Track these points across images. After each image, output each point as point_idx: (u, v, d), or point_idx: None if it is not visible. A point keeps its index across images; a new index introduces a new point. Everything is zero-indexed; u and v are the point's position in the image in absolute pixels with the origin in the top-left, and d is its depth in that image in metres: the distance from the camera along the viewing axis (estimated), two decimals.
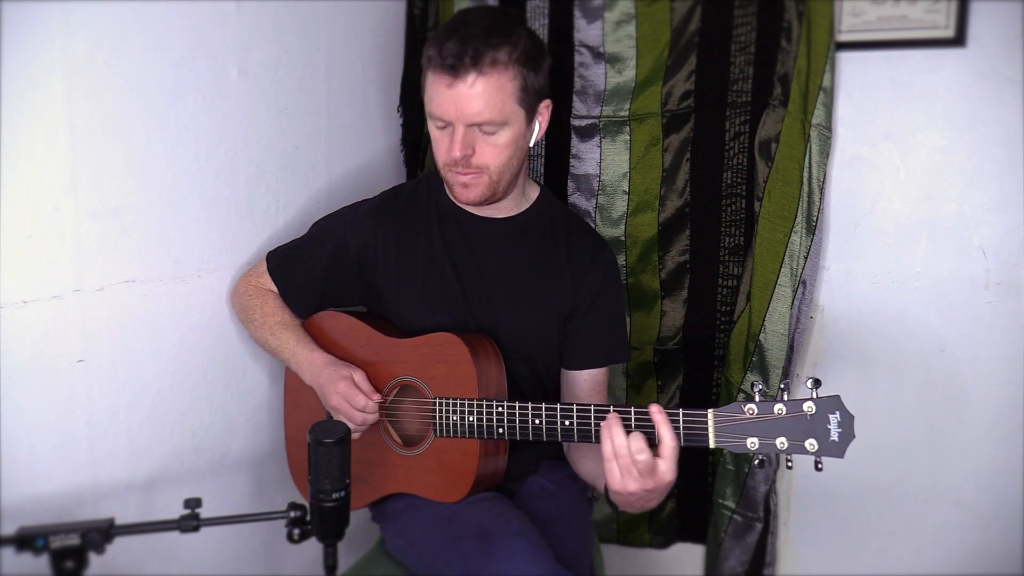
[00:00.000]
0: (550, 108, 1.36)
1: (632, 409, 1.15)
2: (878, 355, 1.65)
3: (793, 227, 1.59)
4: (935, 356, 1.61)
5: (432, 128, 1.32)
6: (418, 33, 1.83)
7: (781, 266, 1.61)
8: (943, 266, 1.58)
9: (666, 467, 1.12)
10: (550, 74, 1.34)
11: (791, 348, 1.63)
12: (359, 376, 1.35)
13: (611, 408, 1.17)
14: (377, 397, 1.34)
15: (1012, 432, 1.57)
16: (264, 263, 1.48)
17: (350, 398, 1.32)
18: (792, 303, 1.61)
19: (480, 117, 1.25)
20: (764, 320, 1.63)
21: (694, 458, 1.82)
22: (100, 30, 1.18)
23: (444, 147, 1.30)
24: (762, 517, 1.72)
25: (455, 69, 1.23)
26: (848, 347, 1.66)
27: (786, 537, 1.80)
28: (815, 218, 1.58)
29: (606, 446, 1.13)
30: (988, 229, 1.54)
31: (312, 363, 1.39)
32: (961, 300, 1.57)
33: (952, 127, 1.53)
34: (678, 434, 1.13)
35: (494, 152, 1.29)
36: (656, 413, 1.12)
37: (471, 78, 1.23)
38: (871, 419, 1.64)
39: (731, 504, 1.74)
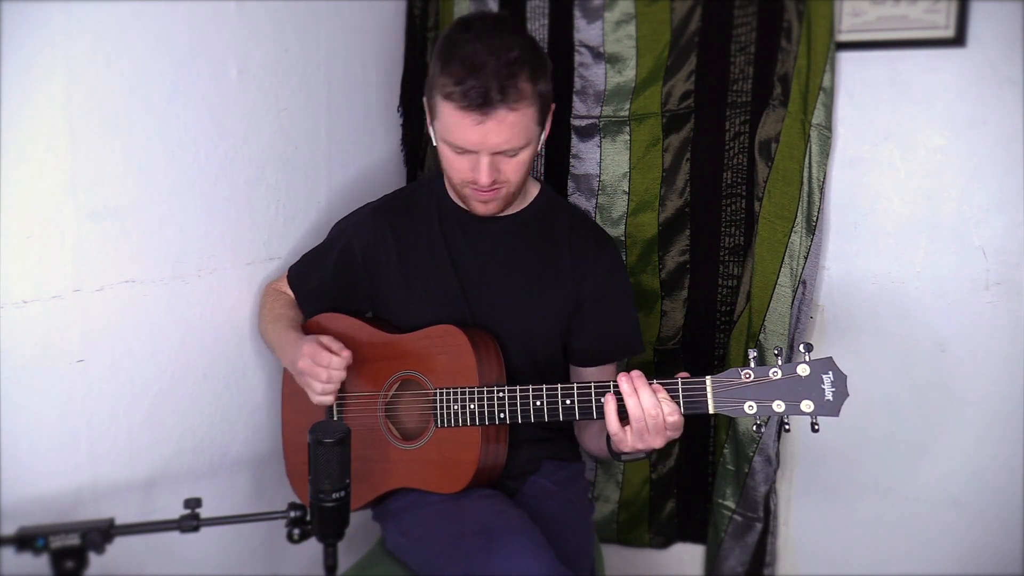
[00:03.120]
0: (553, 110, 1.37)
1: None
2: (878, 355, 1.65)
3: (793, 227, 1.59)
4: (935, 356, 1.61)
5: (446, 149, 1.31)
6: (418, 33, 1.83)
7: (781, 266, 1.61)
8: (943, 266, 1.58)
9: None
10: (552, 75, 1.34)
11: (791, 348, 1.63)
12: (327, 338, 1.34)
13: (611, 384, 1.19)
14: (347, 353, 1.31)
15: (1012, 432, 1.57)
16: (288, 272, 1.52)
17: (315, 356, 1.30)
18: (792, 303, 1.61)
19: (507, 145, 1.26)
20: (764, 320, 1.63)
21: (694, 458, 1.82)
22: (100, 30, 1.18)
23: (463, 169, 1.30)
24: (762, 517, 1.72)
25: (483, 108, 1.21)
26: (848, 347, 1.66)
27: (786, 537, 1.80)
28: (815, 218, 1.58)
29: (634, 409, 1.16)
30: (988, 229, 1.54)
31: (289, 341, 1.38)
32: (961, 300, 1.57)
33: (952, 127, 1.53)
34: (677, 402, 1.16)
35: (516, 168, 1.30)
36: (624, 382, 1.16)
37: (501, 114, 1.22)
38: (871, 418, 1.65)
39: (731, 504, 1.74)
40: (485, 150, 1.26)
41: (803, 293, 1.61)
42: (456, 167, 1.31)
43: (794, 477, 1.78)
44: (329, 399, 1.33)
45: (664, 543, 1.90)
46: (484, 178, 1.28)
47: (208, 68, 1.35)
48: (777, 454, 1.69)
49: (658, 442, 1.16)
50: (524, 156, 1.30)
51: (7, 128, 1.08)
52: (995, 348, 1.57)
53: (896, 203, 1.59)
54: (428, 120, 1.35)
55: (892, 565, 1.72)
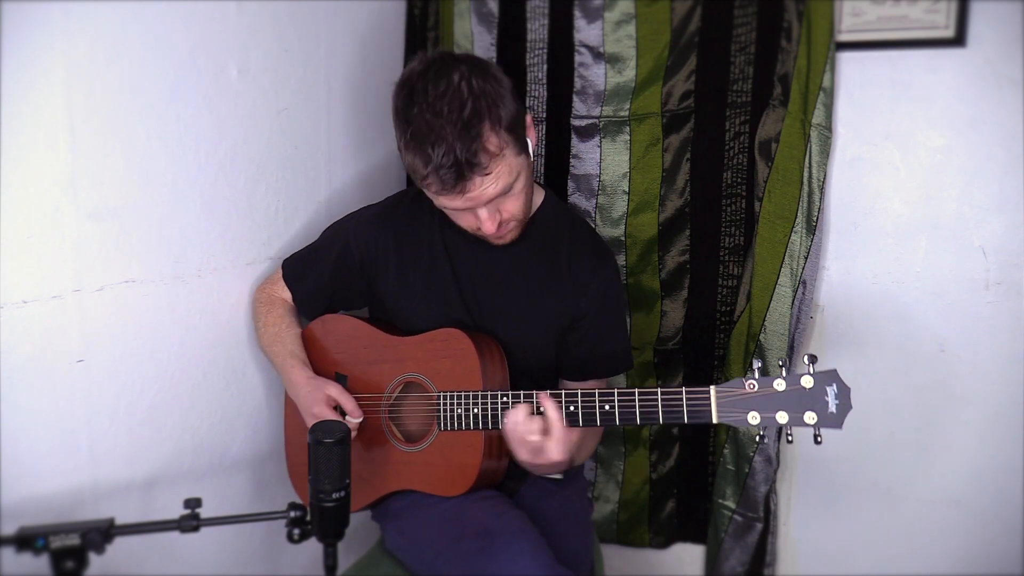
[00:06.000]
0: (532, 120, 1.35)
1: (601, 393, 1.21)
2: (878, 355, 1.65)
3: (793, 227, 1.59)
4: (935, 356, 1.61)
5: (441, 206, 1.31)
6: (418, 33, 1.83)
7: (781, 266, 1.61)
8: (943, 266, 1.58)
9: (552, 446, 1.20)
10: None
11: (791, 348, 1.63)
12: (334, 390, 1.36)
13: (615, 391, 1.20)
14: (358, 414, 1.35)
15: (1012, 432, 1.57)
16: (280, 270, 1.51)
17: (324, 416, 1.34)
18: (792, 303, 1.61)
19: (498, 192, 1.25)
20: (764, 320, 1.63)
21: (694, 458, 1.82)
22: (100, 30, 1.18)
23: (467, 222, 1.32)
24: (762, 517, 1.72)
25: (460, 183, 1.20)
26: (848, 347, 1.66)
27: (786, 537, 1.80)
28: (815, 218, 1.58)
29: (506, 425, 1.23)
30: (988, 229, 1.54)
31: (292, 382, 1.41)
32: (961, 300, 1.57)
33: (952, 127, 1.53)
34: (681, 412, 1.16)
35: (517, 202, 1.30)
36: (544, 399, 1.21)
37: (478, 180, 1.21)
38: (871, 418, 1.65)
39: (731, 504, 1.74)
40: (479, 205, 1.26)
41: (803, 293, 1.61)
42: (459, 220, 1.33)
43: (794, 477, 1.78)
44: None
45: (664, 543, 1.90)
46: (489, 228, 1.28)
47: (208, 68, 1.35)
48: (777, 454, 1.69)
49: (523, 455, 1.23)
50: (519, 186, 1.29)
51: (7, 128, 1.08)
52: (995, 348, 1.56)
53: (896, 203, 1.59)
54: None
55: (892, 565, 1.72)
